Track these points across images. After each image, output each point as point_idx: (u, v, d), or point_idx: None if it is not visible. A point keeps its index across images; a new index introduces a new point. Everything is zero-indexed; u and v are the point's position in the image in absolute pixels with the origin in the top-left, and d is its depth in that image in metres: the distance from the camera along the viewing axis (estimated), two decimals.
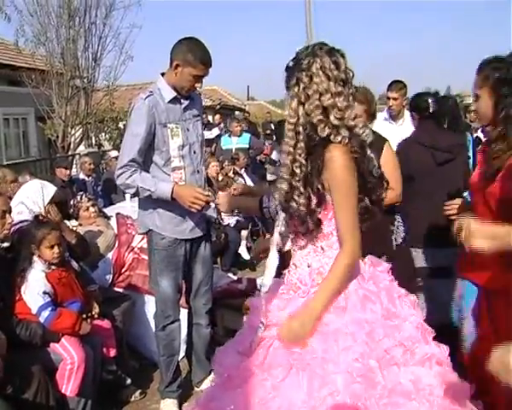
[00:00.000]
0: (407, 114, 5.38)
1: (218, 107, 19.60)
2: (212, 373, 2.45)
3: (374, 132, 4.10)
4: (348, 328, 2.01)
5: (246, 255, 7.28)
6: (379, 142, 3.84)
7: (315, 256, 2.15)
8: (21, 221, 3.83)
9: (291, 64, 2.09)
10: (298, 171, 2.05)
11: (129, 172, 3.32)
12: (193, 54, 3.32)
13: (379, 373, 1.95)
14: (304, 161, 2.05)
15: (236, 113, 20.19)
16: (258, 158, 10.29)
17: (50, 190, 4.16)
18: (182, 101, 3.49)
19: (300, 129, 2.06)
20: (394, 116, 5.28)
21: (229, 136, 10.07)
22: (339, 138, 2.03)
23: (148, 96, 3.37)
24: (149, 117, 3.33)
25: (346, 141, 2.04)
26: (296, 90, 2.06)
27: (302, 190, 2.04)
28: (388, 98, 5.30)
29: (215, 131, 12.81)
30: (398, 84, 5.28)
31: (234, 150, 9.30)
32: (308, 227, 2.07)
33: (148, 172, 3.42)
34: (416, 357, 2.04)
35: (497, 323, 2.58)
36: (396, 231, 3.88)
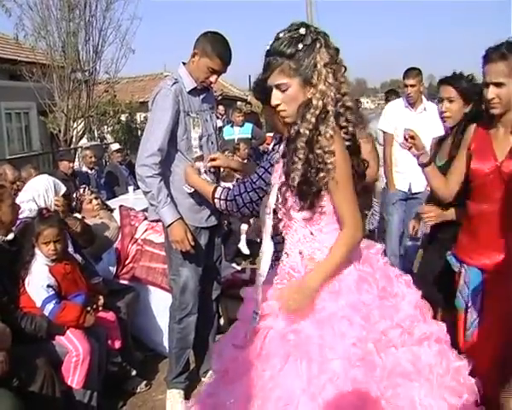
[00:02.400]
0: (426, 102, 5.39)
1: (220, 98, 19.54)
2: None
3: None
4: (343, 312, 2.01)
5: (245, 250, 7.20)
6: None
7: (305, 242, 2.15)
8: (27, 217, 3.85)
9: (301, 46, 2.01)
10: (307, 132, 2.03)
11: (152, 171, 3.29)
12: (212, 46, 3.32)
13: (376, 356, 1.97)
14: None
15: (238, 103, 20.14)
16: (260, 148, 10.26)
17: (62, 188, 4.18)
18: (200, 92, 3.50)
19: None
20: (413, 104, 5.26)
21: (232, 126, 10.04)
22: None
23: (174, 83, 3.36)
24: (175, 104, 3.33)
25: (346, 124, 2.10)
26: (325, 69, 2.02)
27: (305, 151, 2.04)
28: (406, 86, 5.27)
29: (218, 123, 12.76)
30: (414, 71, 5.26)
31: (236, 140, 9.28)
32: (307, 198, 2.05)
33: (172, 161, 3.41)
34: (415, 336, 2.06)
35: (497, 306, 2.63)
36: (370, 218, 3.95)
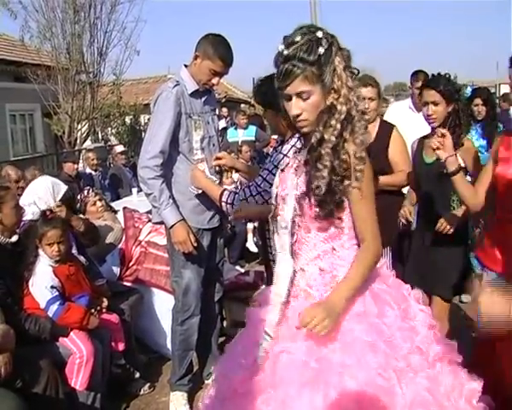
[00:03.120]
0: None
1: (224, 100, 19.57)
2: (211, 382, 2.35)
3: (382, 119, 4.14)
4: (367, 336, 1.90)
5: (254, 248, 7.21)
6: (387, 127, 3.88)
7: (326, 258, 2.03)
8: (31, 219, 3.86)
9: (322, 51, 1.89)
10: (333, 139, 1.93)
11: (154, 173, 3.31)
12: (213, 48, 3.33)
13: (397, 386, 1.86)
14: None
15: (242, 105, 20.15)
16: (264, 150, 10.26)
17: (61, 188, 4.18)
18: (202, 94, 3.51)
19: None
20: (419, 106, 5.24)
21: (235, 128, 10.05)
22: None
23: (176, 85, 3.38)
24: (176, 106, 3.34)
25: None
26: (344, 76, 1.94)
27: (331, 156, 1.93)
28: (418, 88, 5.20)
29: (222, 124, 12.79)
30: (423, 74, 5.22)
31: (240, 143, 9.28)
32: (326, 207, 1.93)
33: (173, 163, 3.43)
34: (430, 359, 1.97)
35: None
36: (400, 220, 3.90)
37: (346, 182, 1.92)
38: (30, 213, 3.90)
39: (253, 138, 9.74)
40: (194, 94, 3.46)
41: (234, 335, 2.39)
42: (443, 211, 3.34)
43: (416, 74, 5.27)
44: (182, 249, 3.40)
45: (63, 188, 4.20)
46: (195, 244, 3.40)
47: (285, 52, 1.91)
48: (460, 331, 3.61)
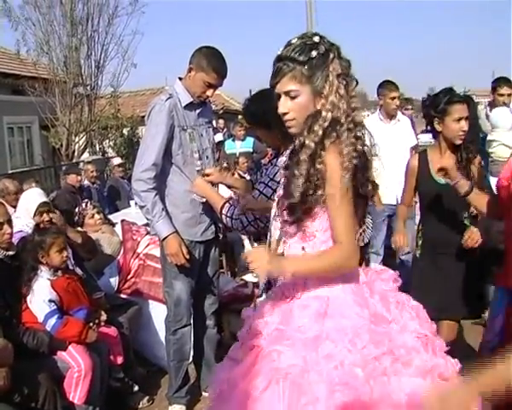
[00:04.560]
0: (399, 114, 5.44)
1: (222, 111, 19.61)
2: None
3: None
4: (329, 335, 1.88)
5: None
6: None
7: None
8: (22, 231, 3.87)
9: (315, 54, 1.91)
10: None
11: (147, 186, 3.34)
12: (207, 60, 3.35)
13: (365, 383, 1.81)
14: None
15: (239, 117, 20.23)
16: (262, 161, 10.27)
17: (36, 202, 4.11)
18: (196, 106, 3.53)
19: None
20: (392, 116, 5.27)
21: (233, 140, 10.06)
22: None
23: (169, 98, 3.40)
24: (169, 119, 3.36)
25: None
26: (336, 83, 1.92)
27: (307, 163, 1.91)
28: (393, 98, 5.23)
29: (219, 137, 12.78)
30: (393, 84, 5.26)
31: (238, 154, 9.29)
32: (296, 214, 1.94)
33: (167, 175, 3.45)
34: (413, 368, 1.88)
35: None
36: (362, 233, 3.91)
37: (319, 192, 1.90)
38: (19, 226, 3.90)
39: (251, 150, 9.76)
40: (189, 106, 3.48)
41: None
42: (457, 230, 3.34)
43: (389, 85, 5.27)
44: (174, 261, 3.43)
45: (35, 203, 4.12)
46: (188, 256, 3.43)
47: (279, 52, 1.97)
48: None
